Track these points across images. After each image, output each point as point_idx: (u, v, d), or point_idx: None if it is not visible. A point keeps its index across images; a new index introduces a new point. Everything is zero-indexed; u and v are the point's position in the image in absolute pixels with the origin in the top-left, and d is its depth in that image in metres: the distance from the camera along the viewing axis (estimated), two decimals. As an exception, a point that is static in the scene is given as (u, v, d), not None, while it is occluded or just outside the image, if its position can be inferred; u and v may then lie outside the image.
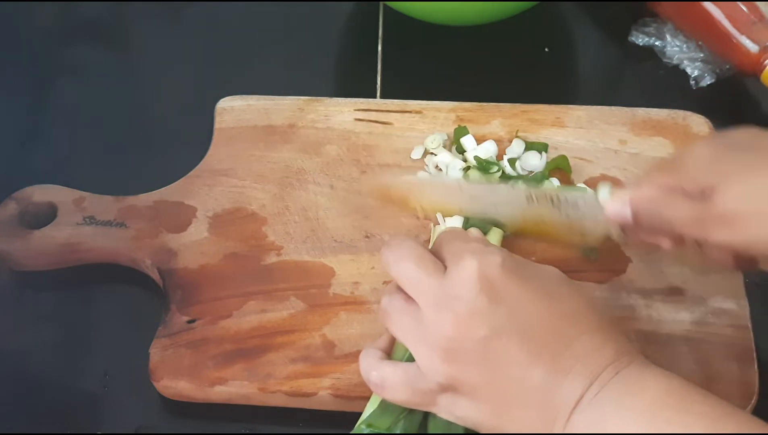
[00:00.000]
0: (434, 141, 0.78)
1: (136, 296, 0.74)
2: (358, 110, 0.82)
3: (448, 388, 0.56)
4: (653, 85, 0.86)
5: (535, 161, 0.76)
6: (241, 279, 0.72)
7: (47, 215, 0.76)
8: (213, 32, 0.93)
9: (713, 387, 0.64)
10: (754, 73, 0.82)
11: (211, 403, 0.67)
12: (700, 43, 0.86)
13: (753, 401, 0.64)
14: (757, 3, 0.83)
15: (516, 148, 0.77)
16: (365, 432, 0.60)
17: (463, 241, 0.59)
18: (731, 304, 0.69)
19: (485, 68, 0.88)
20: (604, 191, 0.64)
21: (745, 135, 0.60)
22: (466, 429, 0.58)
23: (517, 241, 0.71)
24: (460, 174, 0.75)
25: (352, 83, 0.89)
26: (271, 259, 0.73)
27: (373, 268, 0.72)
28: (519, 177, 0.75)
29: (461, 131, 0.78)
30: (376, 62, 0.89)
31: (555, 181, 0.75)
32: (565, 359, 0.54)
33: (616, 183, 0.75)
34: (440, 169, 0.77)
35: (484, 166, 0.75)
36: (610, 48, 0.91)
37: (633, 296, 0.69)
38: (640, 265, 0.71)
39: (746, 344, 0.67)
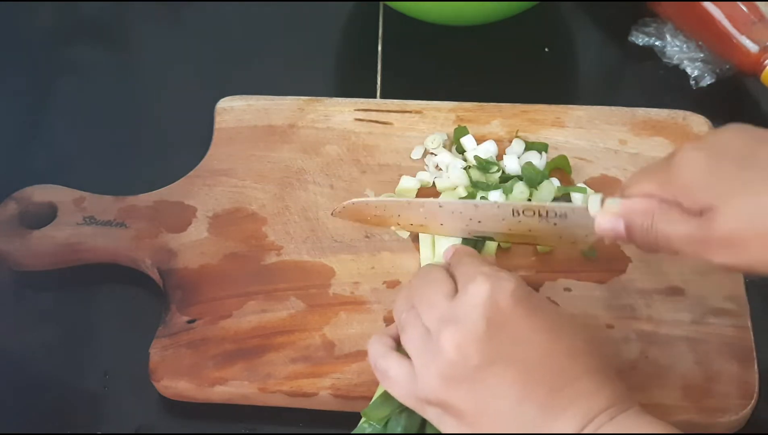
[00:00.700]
0: (434, 141, 0.78)
1: (136, 296, 0.74)
2: (358, 110, 0.82)
3: (437, 405, 0.56)
4: (653, 85, 0.86)
5: (535, 161, 0.76)
6: (241, 279, 0.72)
7: (47, 215, 0.76)
8: (213, 32, 0.93)
9: (713, 387, 0.64)
10: (754, 73, 0.82)
11: (211, 403, 0.67)
12: (700, 43, 0.86)
13: (753, 401, 0.64)
14: (757, 3, 0.83)
15: (516, 148, 0.78)
16: (366, 432, 0.60)
17: (477, 264, 0.58)
18: (731, 304, 0.69)
19: (485, 68, 0.88)
20: (594, 202, 0.61)
21: (739, 140, 0.58)
22: None
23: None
24: (461, 173, 0.75)
25: (352, 83, 0.89)
26: (271, 259, 0.73)
27: (373, 268, 0.72)
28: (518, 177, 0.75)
29: (461, 131, 0.78)
30: (376, 62, 0.89)
31: (555, 182, 0.75)
32: (561, 398, 0.53)
33: (616, 184, 0.75)
34: (440, 169, 0.77)
35: (484, 165, 0.75)
36: (610, 48, 0.91)
37: (633, 296, 0.69)
38: (640, 265, 0.71)
39: (746, 344, 0.67)
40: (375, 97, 0.86)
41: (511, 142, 0.78)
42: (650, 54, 0.88)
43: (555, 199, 0.74)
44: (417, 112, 0.81)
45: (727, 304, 0.69)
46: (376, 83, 0.87)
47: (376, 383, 0.60)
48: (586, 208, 0.62)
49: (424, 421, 0.59)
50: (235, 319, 0.69)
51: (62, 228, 0.75)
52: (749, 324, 0.68)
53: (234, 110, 0.82)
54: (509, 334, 0.54)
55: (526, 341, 0.54)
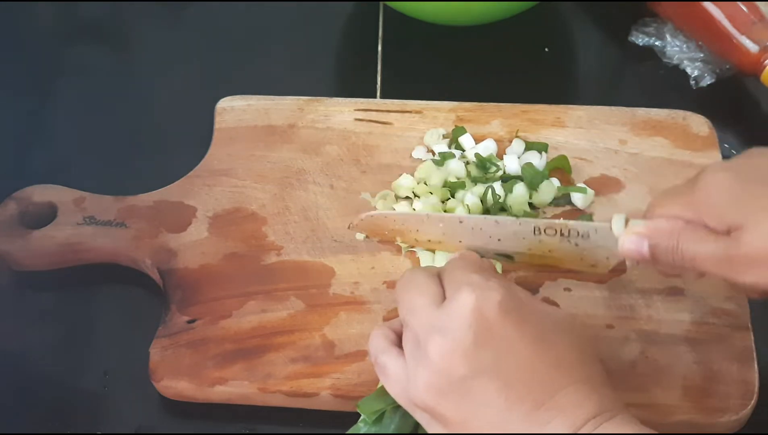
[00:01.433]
0: (434, 135, 0.78)
1: (136, 296, 0.74)
2: (358, 110, 0.82)
3: (425, 410, 0.56)
4: (653, 85, 0.86)
5: (535, 161, 0.76)
6: (241, 279, 0.72)
7: (47, 215, 0.76)
8: (213, 32, 0.93)
9: (713, 387, 0.64)
10: (754, 73, 0.82)
11: (211, 403, 0.67)
12: (700, 43, 0.86)
13: (753, 401, 0.64)
14: (757, 3, 0.83)
15: (516, 147, 0.78)
16: (362, 431, 0.60)
17: (466, 272, 0.58)
18: (731, 304, 0.68)
19: (485, 68, 0.88)
20: (618, 223, 0.62)
21: (763, 161, 0.59)
22: None
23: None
24: (459, 165, 0.75)
25: (352, 83, 0.89)
26: (271, 259, 0.73)
27: (373, 268, 0.72)
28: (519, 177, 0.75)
29: (459, 131, 0.78)
30: (376, 62, 0.89)
31: (555, 182, 0.75)
32: (547, 409, 0.53)
33: (616, 184, 0.75)
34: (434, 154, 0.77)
35: (483, 163, 0.75)
36: (610, 48, 0.91)
37: (633, 296, 0.69)
38: (640, 265, 0.71)
39: (746, 344, 0.67)
40: (375, 97, 0.86)
41: (511, 142, 0.78)
42: (650, 54, 0.88)
43: (555, 200, 0.74)
44: (417, 112, 0.81)
45: (727, 304, 0.69)
46: (376, 83, 0.87)
47: (376, 382, 0.60)
48: (610, 228, 0.62)
49: (417, 423, 0.59)
50: (235, 319, 0.69)
51: (62, 228, 0.75)
52: (749, 324, 0.68)
53: (234, 110, 0.82)
54: (496, 345, 0.54)
55: (513, 352, 0.54)
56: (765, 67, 0.81)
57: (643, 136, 0.78)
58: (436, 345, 0.54)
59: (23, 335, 0.73)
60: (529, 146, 0.78)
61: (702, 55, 0.86)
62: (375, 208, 0.74)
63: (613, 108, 0.80)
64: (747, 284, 0.58)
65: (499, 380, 0.54)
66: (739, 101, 0.85)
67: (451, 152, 0.77)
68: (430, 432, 0.57)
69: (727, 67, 0.85)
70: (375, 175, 0.77)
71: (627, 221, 0.62)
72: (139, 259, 0.73)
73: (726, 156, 0.78)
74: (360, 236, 0.73)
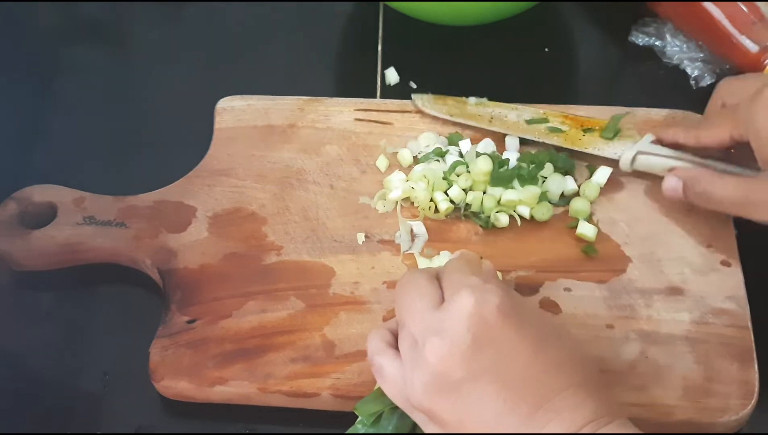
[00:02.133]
0: (428, 138, 0.78)
1: (136, 296, 0.74)
2: (358, 110, 0.82)
3: (422, 411, 0.56)
4: (653, 85, 0.86)
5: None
6: (241, 279, 0.72)
7: (47, 215, 0.76)
8: (213, 32, 0.93)
9: (713, 387, 0.64)
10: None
11: (211, 403, 0.67)
12: (700, 43, 0.86)
13: (753, 401, 0.64)
14: (757, 3, 0.83)
15: (511, 143, 0.78)
16: (360, 432, 0.60)
17: (465, 274, 0.58)
18: (731, 304, 0.69)
19: (485, 68, 0.88)
20: (629, 153, 0.74)
21: None
22: None
23: (519, 242, 0.71)
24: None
25: (352, 83, 0.89)
26: (271, 259, 0.73)
27: (373, 268, 0.72)
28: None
29: (456, 137, 0.78)
30: (376, 62, 0.89)
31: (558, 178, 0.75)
32: (544, 412, 0.53)
33: (616, 184, 0.76)
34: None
35: (497, 160, 0.75)
36: (610, 48, 0.91)
37: (633, 296, 0.69)
38: (640, 265, 0.71)
39: (746, 344, 0.67)
40: (375, 97, 0.86)
41: (511, 142, 0.79)
42: (650, 54, 0.88)
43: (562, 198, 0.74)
44: (417, 112, 0.81)
45: (727, 304, 0.69)
46: (376, 83, 0.87)
47: (376, 383, 0.60)
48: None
49: (415, 424, 0.59)
50: (235, 319, 0.69)
51: (62, 228, 0.75)
52: (749, 324, 0.68)
53: (234, 110, 0.82)
54: (494, 348, 0.54)
55: (511, 356, 0.54)
56: (765, 67, 0.81)
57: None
58: (434, 347, 0.54)
59: (23, 335, 0.73)
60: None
61: (702, 55, 0.86)
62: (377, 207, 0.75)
63: (613, 108, 0.80)
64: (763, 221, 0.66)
65: (498, 383, 0.54)
66: (739, 101, 0.85)
67: (446, 149, 0.77)
68: (427, 432, 0.57)
69: (727, 67, 0.85)
70: (375, 175, 0.77)
71: (634, 158, 0.73)
72: (139, 259, 0.73)
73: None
74: (360, 237, 0.73)
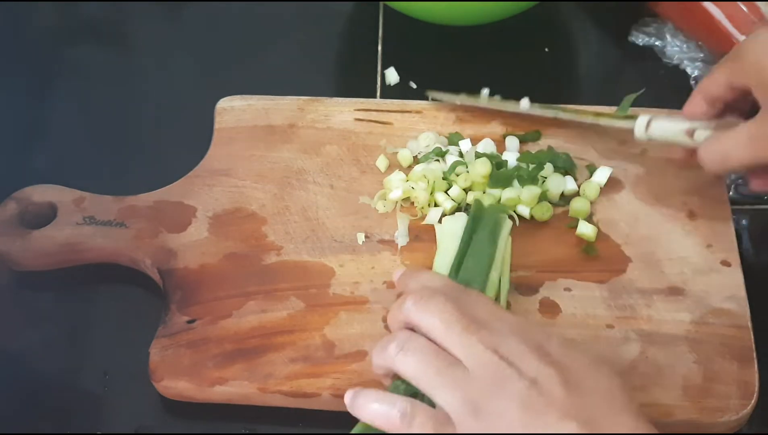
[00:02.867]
0: (428, 138, 0.78)
1: (136, 296, 0.74)
2: (358, 110, 0.82)
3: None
4: (653, 85, 0.86)
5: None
6: (241, 279, 0.72)
7: (47, 215, 0.76)
8: (213, 32, 0.93)
9: (713, 387, 0.64)
10: (754, 73, 0.82)
11: (211, 403, 0.67)
12: (700, 43, 0.86)
13: (753, 401, 0.64)
14: (757, 3, 0.83)
15: (511, 144, 0.78)
16: (364, 432, 0.60)
17: (520, 345, 0.56)
18: (731, 304, 0.69)
19: (485, 68, 0.88)
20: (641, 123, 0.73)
21: None
22: None
23: (518, 242, 0.71)
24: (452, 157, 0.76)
25: (352, 83, 0.89)
26: (271, 259, 0.73)
27: (373, 268, 0.72)
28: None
29: (456, 137, 0.78)
30: (376, 62, 0.89)
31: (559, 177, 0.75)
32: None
33: (616, 184, 0.76)
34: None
35: (492, 159, 0.75)
36: (610, 48, 0.91)
37: (633, 296, 0.69)
38: (640, 265, 0.71)
39: (746, 344, 0.67)
40: (375, 97, 0.86)
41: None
42: (650, 54, 0.88)
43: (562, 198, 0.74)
44: (417, 112, 0.81)
45: (727, 304, 0.69)
46: (376, 83, 0.87)
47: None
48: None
49: None
50: (235, 319, 0.69)
51: (62, 228, 0.75)
52: (749, 324, 0.68)
53: (234, 110, 0.82)
54: (579, 389, 0.54)
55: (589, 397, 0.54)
56: (765, 67, 0.81)
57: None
58: (512, 387, 0.53)
59: (23, 335, 0.73)
60: (522, 137, 0.78)
61: (702, 55, 0.86)
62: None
63: (613, 108, 0.80)
64: None
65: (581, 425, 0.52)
66: (739, 101, 0.85)
67: (446, 149, 0.77)
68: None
69: (727, 67, 0.85)
70: (375, 175, 0.77)
71: (649, 123, 0.73)
72: (139, 259, 0.73)
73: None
74: (360, 236, 0.73)
